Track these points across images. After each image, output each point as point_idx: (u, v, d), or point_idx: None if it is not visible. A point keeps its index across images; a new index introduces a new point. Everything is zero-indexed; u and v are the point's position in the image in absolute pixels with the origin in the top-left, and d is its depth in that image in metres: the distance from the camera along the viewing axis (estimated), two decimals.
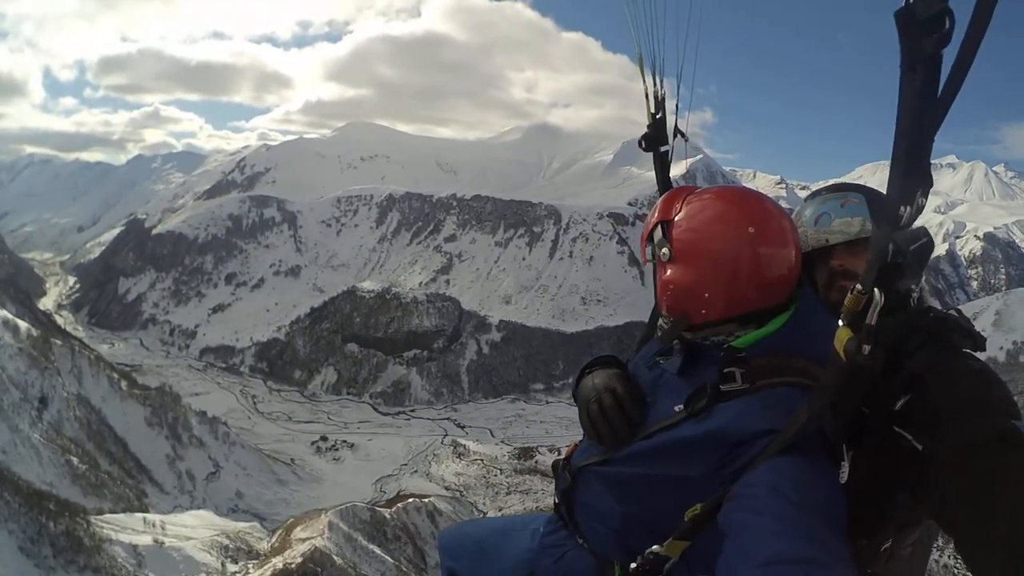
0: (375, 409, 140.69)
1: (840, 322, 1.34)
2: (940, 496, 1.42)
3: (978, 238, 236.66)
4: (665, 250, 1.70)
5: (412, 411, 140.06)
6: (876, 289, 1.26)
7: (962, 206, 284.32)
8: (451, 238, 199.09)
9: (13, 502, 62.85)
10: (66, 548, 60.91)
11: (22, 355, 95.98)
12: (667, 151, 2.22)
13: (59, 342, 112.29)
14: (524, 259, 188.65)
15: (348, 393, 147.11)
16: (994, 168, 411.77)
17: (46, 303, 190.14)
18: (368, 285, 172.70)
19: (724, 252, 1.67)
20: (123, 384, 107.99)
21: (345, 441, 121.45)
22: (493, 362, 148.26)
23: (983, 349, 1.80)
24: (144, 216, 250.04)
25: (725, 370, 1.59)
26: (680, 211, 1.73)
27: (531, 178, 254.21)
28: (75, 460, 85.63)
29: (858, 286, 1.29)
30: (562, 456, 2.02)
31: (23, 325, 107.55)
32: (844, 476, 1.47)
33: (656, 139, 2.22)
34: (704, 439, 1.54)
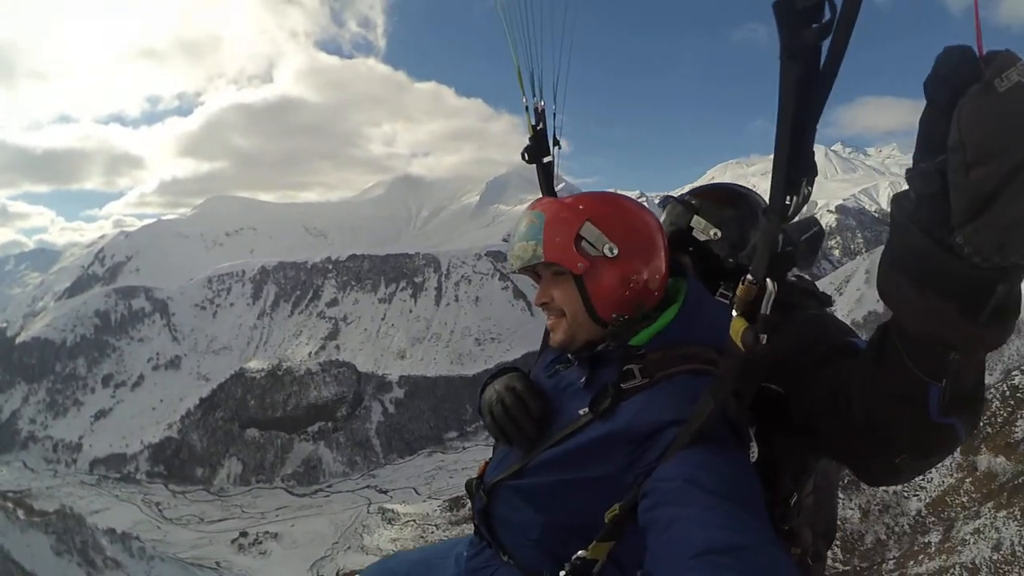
0: (290, 492, 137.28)
1: (734, 312, 1.37)
2: (804, 422, 1.56)
3: (831, 211, 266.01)
4: (609, 246, 1.69)
5: (329, 486, 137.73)
6: (769, 279, 1.30)
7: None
8: (333, 302, 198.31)
9: None
10: None
11: None
12: (550, 162, 2.27)
13: None
14: (411, 311, 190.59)
15: (258, 481, 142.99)
16: (832, 148, 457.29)
17: None
18: (256, 364, 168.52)
19: (653, 240, 1.77)
20: (19, 513, 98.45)
21: (267, 532, 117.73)
22: (401, 419, 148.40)
23: (829, 304, 2.15)
24: (4, 324, 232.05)
25: (624, 368, 1.63)
26: (593, 210, 1.76)
27: (402, 230, 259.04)
28: None
29: (749, 276, 1.33)
30: (474, 476, 2.06)
31: None
32: (754, 455, 1.53)
33: (538, 151, 2.25)
34: (611, 437, 1.57)
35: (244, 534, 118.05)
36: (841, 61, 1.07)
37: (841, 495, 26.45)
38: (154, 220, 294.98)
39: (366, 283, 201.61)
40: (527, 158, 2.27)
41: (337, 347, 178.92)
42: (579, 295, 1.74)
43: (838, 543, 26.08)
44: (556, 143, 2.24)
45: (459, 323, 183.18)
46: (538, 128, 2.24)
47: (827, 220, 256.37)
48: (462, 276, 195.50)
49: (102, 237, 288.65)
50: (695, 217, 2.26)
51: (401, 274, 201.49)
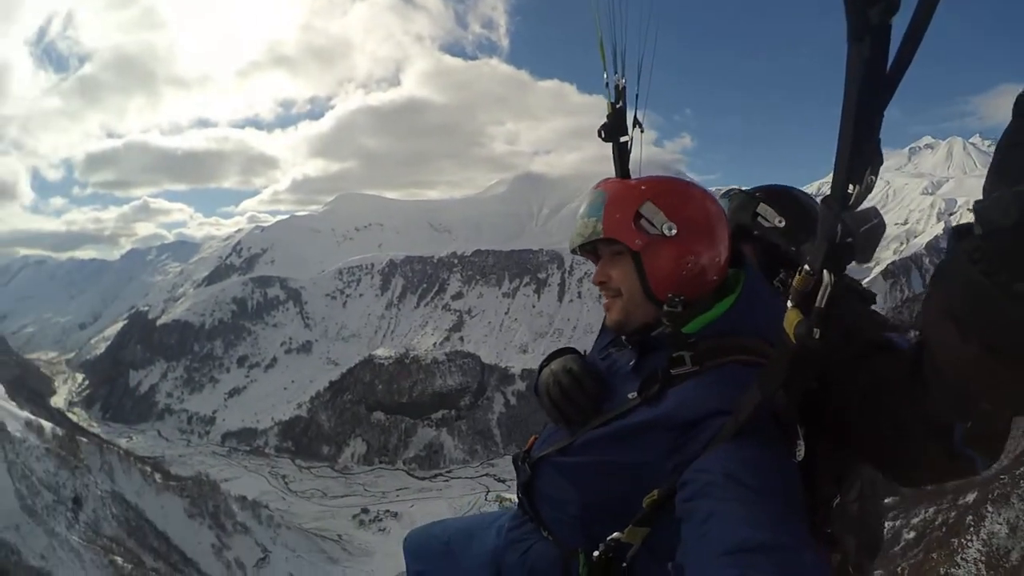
0: (410, 475, 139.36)
1: (788, 303, 1.33)
2: (835, 416, 1.48)
3: (971, 211, 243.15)
4: (668, 225, 1.68)
5: (449, 472, 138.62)
6: (825, 271, 1.23)
7: (948, 183, 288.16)
8: (458, 295, 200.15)
9: None
10: None
11: (50, 455, 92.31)
12: (627, 141, 2.19)
13: (85, 439, 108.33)
14: (534, 306, 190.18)
15: (380, 462, 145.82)
16: (971, 140, 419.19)
17: (57, 402, 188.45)
18: (384, 352, 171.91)
19: (714, 225, 1.74)
20: (157, 477, 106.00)
21: (388, 511, 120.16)
22: (522, 411, 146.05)
23: (872, 302, 1.98)
24: (147, 308, 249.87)
25: (675, 354, 1.61)
26: (654, 190, 1.76)
27: (524, 226, 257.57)
28: (119, 560, 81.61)
29: (806, 267, 1.26)
30: (522, 450, 2.06)
31: (47, 425, 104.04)
32: (800, 454, 1.44)
33: (615, 129, 2.18)
34: (656, 422, 1.55)
35: (365, 511, 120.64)
36: (918, 44, 0.99)
37: (990, 508, 25.38)
38: (287, 216, 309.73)
39: (490, 278, 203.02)
40: (603, 136, 2.18)
41: (461, 339, 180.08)
42: (636, 273, 1.74)
43: (982, 559, 24.09)
44: (637, 123, 2.14)
45: (582, 319, 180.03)
46: (617, 106, 2.14)
47: (968, 220, 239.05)
48: (585, 273, 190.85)
49: (239, 231, 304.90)
50: (761, 204, 2.28)
51: (525, 270, 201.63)
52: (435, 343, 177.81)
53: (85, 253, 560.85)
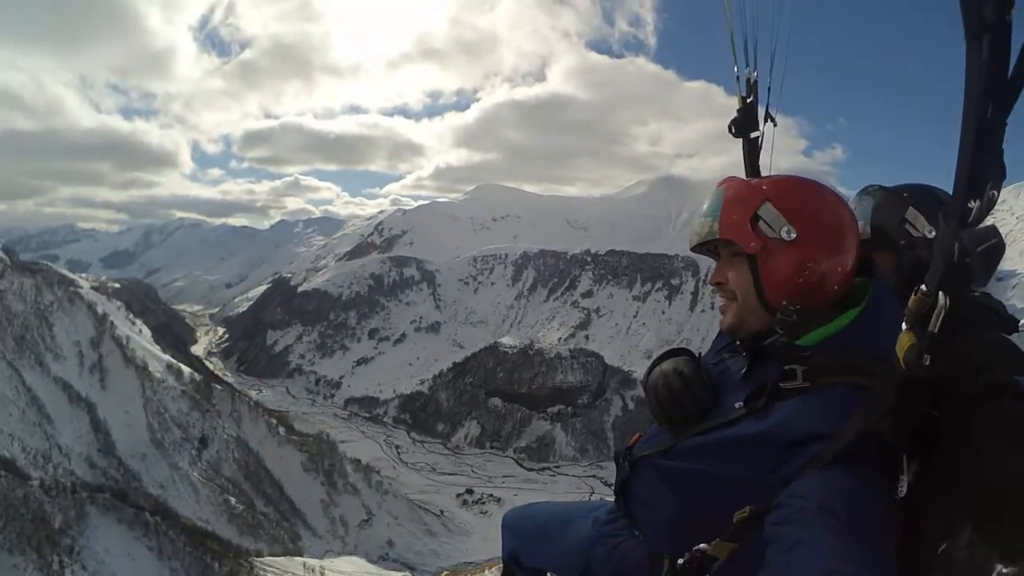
0: (519, 464, 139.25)
1: (904, 325, 1.27)
2: (943, 456, 1.35)
3: None
4: (787, 228, 1.59)
5: (557, 467, 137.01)
6: (941, 292, 1.16)
7: None
8: (588, 294, 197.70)
9: (178, 540, 65.99)
10: None
11: (185, 397, 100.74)
12: (757, 137, 2.08)
13: (219, 387, 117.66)
14: (664, 313, 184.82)
15: (491, 447, 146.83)
16: None
17: (197, 350, 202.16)
18: (509, 340, 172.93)
19: (839, 232, 1.63)
20: (281, 429, 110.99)
21: (492, 495, 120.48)
22: (639, 418, 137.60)
23: (1014, 329, 1.67)
24: (290, 275, 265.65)
25: (786, 367, 1.54)
26: (775, 191, 1.66)
27: (661, 230, 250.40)
28: (232, 500, 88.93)
29: (923, 287, 1.19)
30: (625, 446, 2.01)
31: (186, 370, 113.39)
32: (903, 490, 1.29)
33: (746, 124, 2.08)
34: (759, 437, 1.51)
35: (470, 491, 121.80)
36: None
37: None
38: (428, 201, 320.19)
39: (622, 279, 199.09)
40: (733, 131, 2.15)
41: (586, 337, 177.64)
42: (751, 277, 1.68)
43: None
44: (769, 118, 2.09)
45: (712, 331, 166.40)
46: (748, 100, 2.11)
47: None
48: None
49: (381, 212, 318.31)
50: (911, 209, 2.04)
51: (658, 274, 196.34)
52: (560, 338, 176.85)
53: (237, 220, 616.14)
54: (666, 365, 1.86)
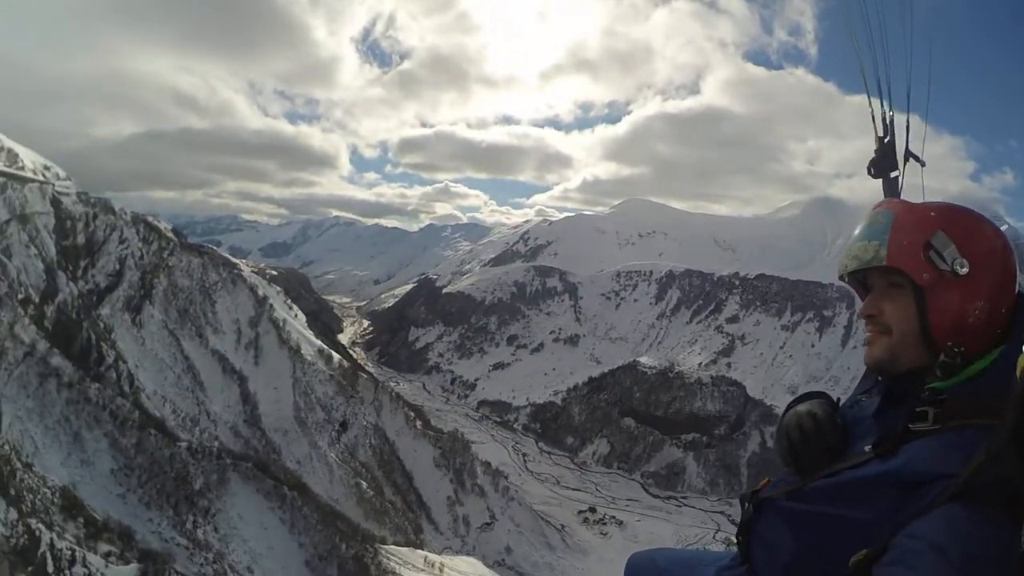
0: (645, 489, 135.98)
1: None
2: None
3: None
4: (960, 261, 1.48)
5: (684, 498, 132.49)
6: None
7: None
8: (733, 319, 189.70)
9: (311, 516, 68.85)
10: (351, 573, 65.07)
11: (331, 381, 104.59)
12: (897, 177, 2.00)
13: (364, 375, 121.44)
14: (813, 346, 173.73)
15: (619, 468, 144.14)
16: None
17: (342, 339, 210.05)
18: (648, 361, 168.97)
19: (1008, 268, 1.53)
20: (418, 423, 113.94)
21: (614, 517, 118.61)
22: (775, 457, 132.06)
23: None
24: (435, 276, 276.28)
25: (918, 409, 1.47)
26: (947, 220, 1.55)
27: (815, 256, 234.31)
28: (364, 484, 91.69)
29: None
30: (753, 489, 1.99)
31: (336, 356, 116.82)
32: None
33: (884, 164, 2.00)
34: (883, 479, 1.45)
35: (592, 510, 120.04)
36: None
37: None
38: (574, 214, 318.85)
39: (771, 306, 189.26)
40: (872, 172, 2.07)
41: (728, 365, 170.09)
42: (916, 312, 1.56)
43: None
44: (911, 156, 1.99)
45: (862, 372, 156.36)
46: (886, 140, 2.01)
47: None
48: None
49: (527, 221, 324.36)
50: None
51: (809, 303, 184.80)
52: (701, 363, 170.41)
53: (388, 222, 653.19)
54: (801, 407, 1.81)
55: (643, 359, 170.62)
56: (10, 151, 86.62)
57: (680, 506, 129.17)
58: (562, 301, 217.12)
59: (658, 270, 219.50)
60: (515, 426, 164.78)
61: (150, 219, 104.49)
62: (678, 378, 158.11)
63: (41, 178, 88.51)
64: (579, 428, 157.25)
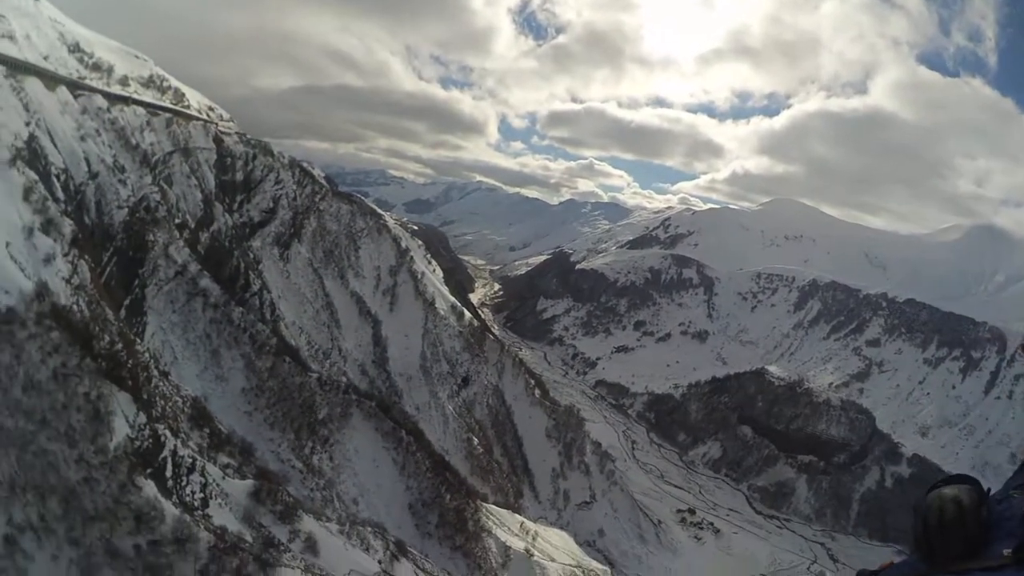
0: (749, 502, 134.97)
1: None
2: None
3: None
4: None
5: (787, 520, 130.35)
6: None
7: None
8: (874, 342, 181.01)
9: (422, 462, 70.97)
10: (450, 524, 66.94)
11: (460, 337, 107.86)
12: None
13: (492, 337, 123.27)
14: (954, 387, 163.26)
15: (727, 474, 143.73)
16: None
17: (472, 299, 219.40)
18: (777, 371, 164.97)
19: None
20: (537, 392, 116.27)
21: (712, 524, 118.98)
22: (892, 501, 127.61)
23: None
24: (571, 251, 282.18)
25: None
26: None
27: (970, 288, 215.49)
28: (475, 440, 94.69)
29: None
30: (871, 569, 1.85)
31: (467, 314, 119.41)
32: None
33: None
34: None
35: (691, 511, 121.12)
36: None
37: None
38: (719, 206, 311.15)
39: (916, 335, 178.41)
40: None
41: (861, 391, 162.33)
42: None
43: None
44: None
45: (1001, 425, 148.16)
46: None
47: None
48: None
49: (669, 208, 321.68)
50: None
51: (958, 340, 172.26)
52: (832, 383, 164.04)
53: (530, 192, 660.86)
54: (947, 490, 1.70)
55: (772, 368, 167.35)
56: (176, 90, 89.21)
57: (781, 527, 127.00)
58: (696, 294, 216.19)
59: (801, 277, 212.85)
60: (629, 412, 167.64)
61: (305, 165, 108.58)
62: (806, 395, 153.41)
63: (205, 117, 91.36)
64: (693, 426, 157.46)
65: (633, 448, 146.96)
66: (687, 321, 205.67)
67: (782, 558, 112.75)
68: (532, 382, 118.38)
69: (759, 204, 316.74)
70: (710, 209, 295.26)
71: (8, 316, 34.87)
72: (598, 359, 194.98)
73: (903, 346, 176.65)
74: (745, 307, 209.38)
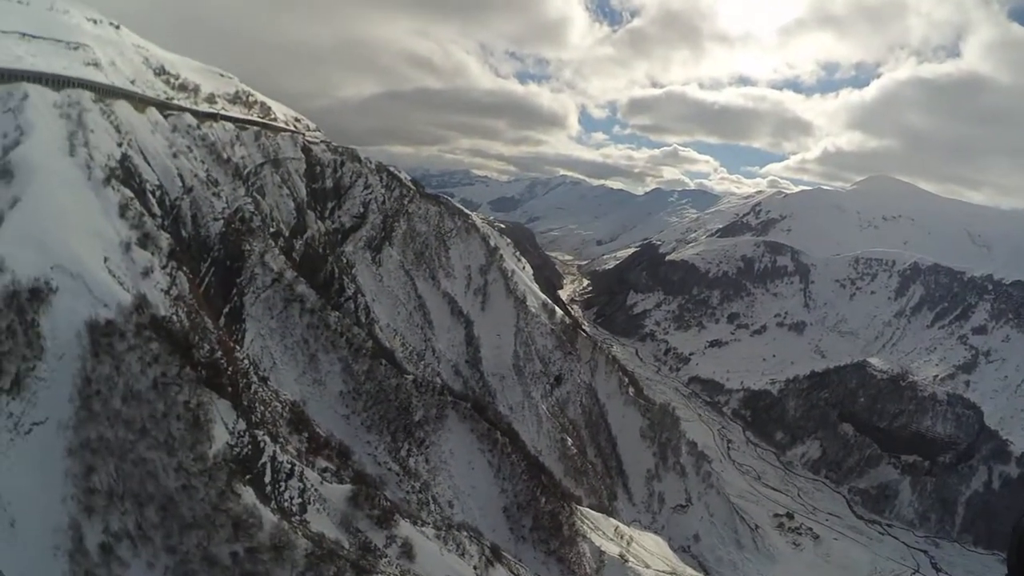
0: (850, 506, 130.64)
1: None
2: None
3: None
4: None
5: (889, 525, 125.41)
6: None
7: None
8: (980, 329, 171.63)
9: (517, 465, 69.84)
10: (544, 528, 65.62)
11: (552, 335, 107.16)
12: None
13: (584, 334, 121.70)
14: None
15: (826, 476, 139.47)
16: None
17: (561, 295, 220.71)
18: (879, 363, 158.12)
19: None
20: (630, 390, 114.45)
21: (810, 529, 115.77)
22: (999, 504, 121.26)
23: None
24: (659, 242, 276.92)
25: None
26: None
27: None
28: (568, 441, 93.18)
29: None
30: None
31: (559, 311, 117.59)
32: None
33: None
34: None
35: (790, 515, 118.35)
36: None
37: None
38: (812, 188, 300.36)
39: None
40: None
41: (967, 383, 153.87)
42: None
43: None
44: None
45: None
46: None
47: None
48: None
49: (759, 192, 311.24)
50: None
51: None
52: (937, 376, 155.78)
53: (614, 183, 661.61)
54: None
55: (874, 360, 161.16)
56: (263, 104, 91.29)
57: (883, 533, 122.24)
58: (791, 283, 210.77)
59: (902, 261, 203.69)
60: (724, 409, 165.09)
61: (392, 169, 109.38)
62: (910, 389, 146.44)
63: (292, 128, 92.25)
64: (792, 424, 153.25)
65: (729, 448, 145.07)
66: (783, 312, 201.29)
67: (883, 567, 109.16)
68: (626, 380, 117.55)
69: (853, 183, 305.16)
70: (802, 191, 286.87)
71: (107, 328, 35.86)
72: (691, 354, 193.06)
73: (1012, 333, 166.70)
74: (843, 295, 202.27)
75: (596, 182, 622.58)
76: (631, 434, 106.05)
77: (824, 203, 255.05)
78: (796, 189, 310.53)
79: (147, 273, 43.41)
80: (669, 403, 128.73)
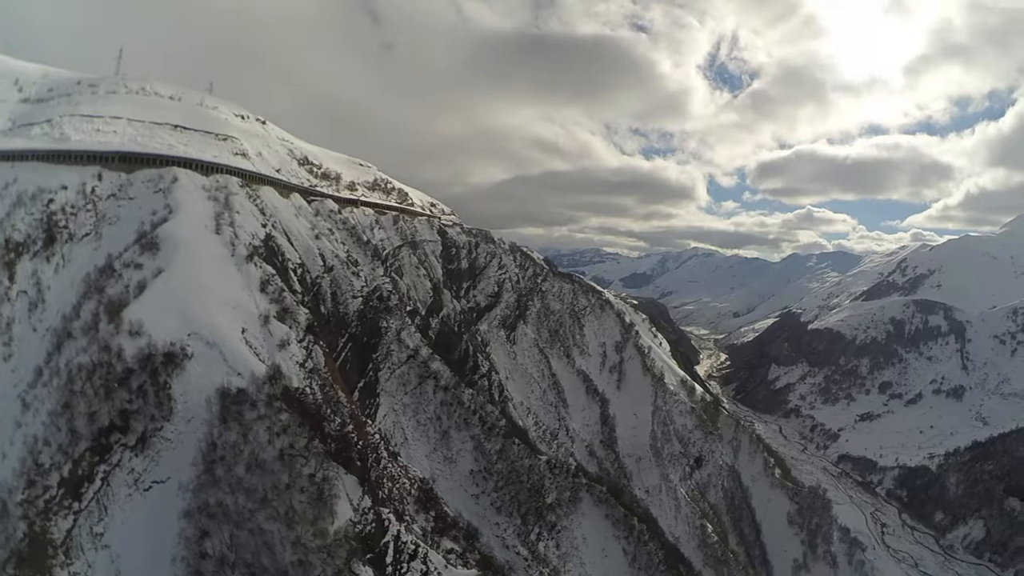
0: None
1: None
2: None
3: None
4: None
5: None
6: None
7: None
8: None
9: (655, 554, 68.81)
10: None
11: (692, 414, 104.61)
12: None
13: (725, 412, 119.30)
14: None
15: (991, 559, 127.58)
16: None
17: (699, 371, 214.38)
18: None
19: None
20: (777, 472, 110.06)
21: None
22: None
23: None
24: (800, 311, 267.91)
25: None
26: None
27: None
28: (709, 527, 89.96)
29: None
30: None
31: (699, 388, 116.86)
32: None
33: None
34: None
35: None
36: None
37: None
38: (958, 236, 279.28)
39: None
40: None
41: None
42: None
43: None
44: None
45: None
46: None
47: None
48: None
49: (903, 248, 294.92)
50: None
51: None
52: None
53: (748, 252, 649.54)
54: None
55: None
56: (400, 191, 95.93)
57: None
58: (946, 344, 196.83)
59: None
60: (877, 489, 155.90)
61: (525, 248, 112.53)
62: None
63: (428, 212, 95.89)
64: (952, 503, 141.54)
65: (883, 532, 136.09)
66: (939, 377, 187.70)
67: None
68: (771, 460, 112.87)
69: (1002, 225, 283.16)
70: (948, 241, 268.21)
71: (238, 397, 36.10)
72: (840, 430, 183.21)
73: None
74: (1004, 352, 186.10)
75: (729, 252, 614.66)
76: (777, 520, 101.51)
77: (973, 251, 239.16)
78: (942, 240, 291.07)
79: (284, 345, 44.67)
80: (819, 485, 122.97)
